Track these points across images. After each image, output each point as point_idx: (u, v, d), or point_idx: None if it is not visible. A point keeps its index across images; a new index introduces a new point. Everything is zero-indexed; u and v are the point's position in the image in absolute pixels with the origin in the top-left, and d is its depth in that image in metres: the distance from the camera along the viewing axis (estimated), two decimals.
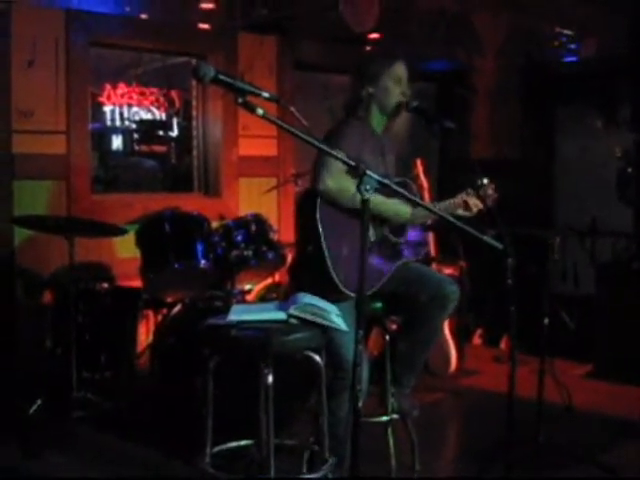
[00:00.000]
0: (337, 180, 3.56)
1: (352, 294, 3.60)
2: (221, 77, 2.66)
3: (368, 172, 2.73)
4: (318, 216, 3.61)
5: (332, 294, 3.58)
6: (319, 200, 3.63)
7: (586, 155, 7.91)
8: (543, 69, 8.03)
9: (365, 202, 2.73)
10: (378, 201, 3.70)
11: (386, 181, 2.92)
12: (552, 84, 8.03)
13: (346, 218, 3.63)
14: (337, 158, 2.86)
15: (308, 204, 3.66)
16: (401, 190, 3.12)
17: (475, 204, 4.05)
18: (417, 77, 4.19)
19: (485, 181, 4.17)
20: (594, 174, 7.74)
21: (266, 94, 2.72)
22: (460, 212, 4.05)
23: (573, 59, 8.00)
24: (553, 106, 8.21)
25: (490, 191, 4.19)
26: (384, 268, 3.89)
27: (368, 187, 2.71)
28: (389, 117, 4.01)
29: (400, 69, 3.96)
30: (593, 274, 6.56)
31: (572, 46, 7.98)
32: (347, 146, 3.51)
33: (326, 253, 3.59)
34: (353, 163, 2.78)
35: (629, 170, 7.04)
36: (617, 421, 5.23)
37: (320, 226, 3.60)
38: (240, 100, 2.67)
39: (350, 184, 3.53)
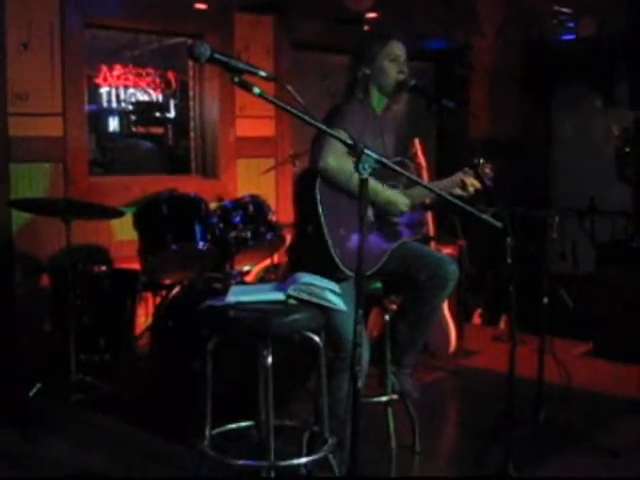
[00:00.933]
0: (338, 160, 3.55)
1: (351, 273, 3.60)
2: (217, 56, 2.64)
3: (366, 151, 2.71)
4: (318, 196, 3.59)
5: (332, 273, 3.57)
6: (318, 180, 3.61)
7: (585, 134, 7.91)
8: (541, 48, 8.01)
9: (363, 181, 2.71)
10: (375, 188, 3.68)
11: (384, 160, 2.90)
12: (550, 63, 8.02)
13: (345, 198, 3.61)
14: (335, 137, 2.85)
15: (307, 184, 3.64)
16: (399, 169, 3.10)
17: (472, 183, 4.05)
18: (416, 56, 4.16)
19: (482, 160, 4.16)
20: (593, 153, 7.73)
21: (263, 73, 2.70)
22: (458, 191, 4.04)
23: (571, 38, 7.98)
24: (551, 85, 8.20)
25: (487, 170, 4.19)
26: (383, 248, 3.88)
27: (367, 166, 2.70)
28: (389, 97, 3.98)
29: (396, 48, 3.92)
30: (592, 253, 6.56)
31: (570, 25, 7.95)
32: (349, 126, 3.49)
33: (326, 232, 3.57)
34: (350, 142, 2.76)
35: (627, 149, 7.03)
36: (617, 400, 5.23)
37: (320, 206, 3.58)
38: (236, 79, 2.65)
39: (349, 165, 3.51)
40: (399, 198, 3.84)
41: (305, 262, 3.71)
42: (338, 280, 3.55)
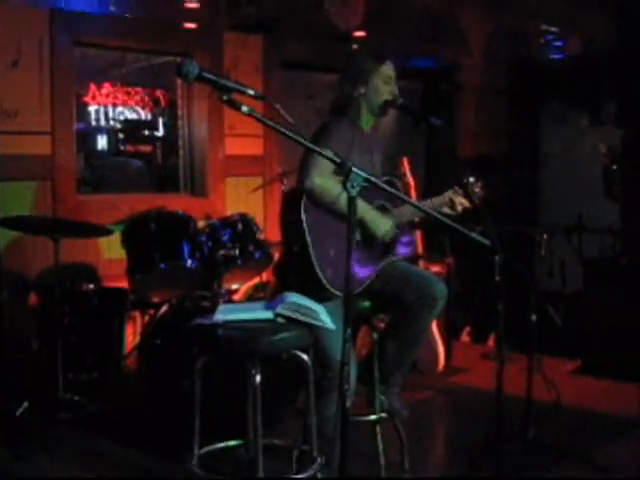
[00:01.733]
0: (324, 179, 3.55)
1: (338, 293, 3.60)
2: (205, 75, 2.65)
3: (354, 169, 2.72)
4: (303, 216, 3.60)
5: (318, 293, 3.57)
6: (304, 199, 3.62)
7: (572, 151, 7.94)
8: (529, 66, 8.05)
9: (352, 199, 2.71)
10: (361, 208, 3.68)
11: (373, 179, 2.90)
12: (538, 81, 8.06)
13: (331, 217, 3.62)
14: (323, 156, 2.85)
15: (293, 203, 3.65)
16: (388, 187, 3.10)
17: (461, 202, 4.05)
18: (403, 75, 4.18)
19: (472, 179, 4.17)
20: (580, 170, 7.76)
21: (251, 91, 2.71)
22: (446, 210, 4.05)
23: (559, 56, 8.02)
24: (539, 103, 8.24)
25: (477, 189, 4.19)
26: (370, 267, 3.88)
27: (355, 184, 2.70)
28: (377, 115, 3.99)
29: (389, 69, 3.94)
30: (580, 271, 6.57)
31: (558, 44, 7.99)
32: (337, 145, 3.50)
33: (312, 252, 3.58)
34: (339, 160, 2.77)
35: (614, 167, 7.06)
36: (606, 417, 5.22)
37: (305, 225, 3.59)
38: (225, 97, 2.65)
39: (336, 184, 3.52)
40: (382, 221, 3.85)
41: (291, 281, 3.71)
42: (324, 300, 3.55)
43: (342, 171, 2.74)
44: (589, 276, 6.46)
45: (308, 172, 3.57)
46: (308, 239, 3.58)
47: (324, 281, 3.59)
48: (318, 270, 3.58)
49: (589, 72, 7.57)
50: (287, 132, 2.72)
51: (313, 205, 3.63)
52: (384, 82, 3.91)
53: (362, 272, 3.81)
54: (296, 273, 3.72)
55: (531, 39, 7.95)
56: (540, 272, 4.89)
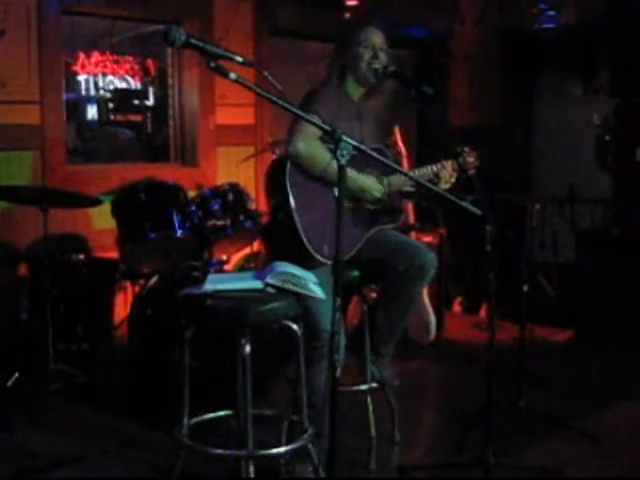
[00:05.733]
0: (309, 145, 3.54)
1: (324, 260, 3.58)
2: (192, 41, 2.61)
3: (344, 137, 2.69)
4: (288, 183, 3.58)
5: (304, 261, 3.55)
6: (289, 166, 3.60)
7: (565, 122, 7.90)
8: (523, 35, 8.00)
9: (342, 168, 2.69)
10: (349, 175, 3.65)
11: (362, 147, 2.88)
12: (531, 51, 8.01)
13: (318, 184, 3.60)
14: (312, 123, 2.83)
15: (279, 170, 3.63)
16: (378, 156, 3.08)
17: (452, 173, 4.02)
18: (396, 44, 4.14)
19: (466, 149, 4.14)
20: (573, 141, 7.73)
21: (239, 58, 2.67)
22: (442, 177, 4.01)
23: (552, 26, 7.96)
24: (532, 73, 8.19)
25: (471, 159, 4.16)
26: (358, 235, 3.86)
27: (344, 152, 2.67)
28: (365, 86, 3.96)
29: (371, 34, 3.89)
30: (571, 242, 6.56)
31: (551, 13, 7.93)
32: (323, 111, 3.49)
33: (297, 220, 3.56)
34: (329, 128, 2.74)
35: (607, 137, 7.02)
36: (597, 387, 5.24)
37: (290, 193, 3.57)
38: (212, 64, 2.62)
39: (323, 151, 3.50)
40: (373, 185, 3.83)
41: (277, 249, 3.70)
42: (310, 268, 3.53)
43: (331, 139, 2.72)
44: (581, 247, 6.45)
45: (293, 138, 3.56)
46: (293, 206, 3.56)
47: (310, 249, 3.58)
48: (303, 237, 3.57)
49: (583, 41, 7.52)
50: (275, 99, 2.69)
51: (298, 172, 3.61)
52: (364, 48, 3.86)
53: (348, 240, 3.76)
54: (281, 241, 3.70)
55: (524, 8, 7.89)
56: (532, 243, 4.87)
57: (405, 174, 3.54)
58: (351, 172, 3.69)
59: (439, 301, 6.27)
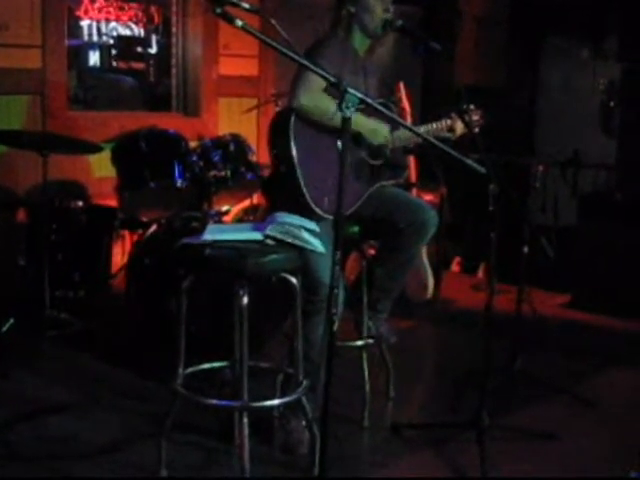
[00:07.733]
0: (314, 97, 3.50)
1: (324, 214, 3.56)
2: None
3: (349, 89, 2.65)
4: (291, 134, 3.54)
5: (305, 214, 3.52)
6: (293, 118, 3.56)
7: (571, 85, 7.84)
8: None
9: (346, 120, 2.65)
10: (358, 121, 3.60)
11: (368, 100, 2.84)
12: (539, 12, 7.92)
13: (321, 137, 3.56)
14: (317, 73, 2.78)
15: (282, 122, 3.59)
16: (382, 109, 3.04)
17: (459, 127, 4.00)
18: (403, 0, 4.08)
19: (472, 106, 4.11)
20: (578, 105, 7.68)
21: (246, 5, 2.63)
22: (445, 134, 3.99)
23: None
24: (540, 35, 8.11)
25: (476, 117, 4.14)
26: (360, 190, 3.83)
27: (350, 105, 2.64)
28: (373, 38, 3.90)
29: None
30: (573, 206, 6.54)
31: None
32: (327, 64, 3.43)
33: (299, 173, 3.53)
34: (334, 79, 2.70)
35: (611, 103, 6.98)
36: (593, 351, 5.24)
37: (293, 144, 3.54)
38: (218, 10, 2.57)
39: (328, 103, 3.45)
40: (380, 125, 3.78)
41: (278, 202, 3.67)
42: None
43: (336, 91, 2.68)
44: (583, 211, 6.43)
45: (297, 90, 3.52)
46: (295, 158, 3.53)
47: (311, 202, 3.55)
48: (305, 191, 3.55)
49: (592, 4, 7.45)
50: (281, 48, 2.65)
51: (302, 124, 3.57)
52: (375, 0, 3.80)
53: (350, 196, 3.73)
54: (282, 193, 3.68)
55: None
56: (533, 206, 4.85)
57: (412, 129, 3.50)
58: (360, 117, 3.64)
59: (437, 260, 6.25)
